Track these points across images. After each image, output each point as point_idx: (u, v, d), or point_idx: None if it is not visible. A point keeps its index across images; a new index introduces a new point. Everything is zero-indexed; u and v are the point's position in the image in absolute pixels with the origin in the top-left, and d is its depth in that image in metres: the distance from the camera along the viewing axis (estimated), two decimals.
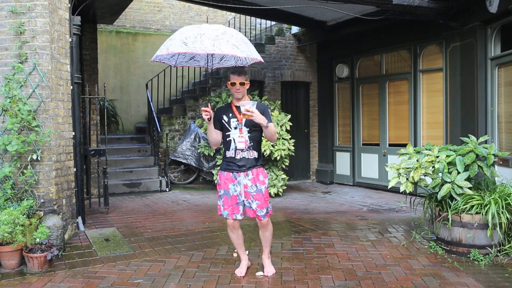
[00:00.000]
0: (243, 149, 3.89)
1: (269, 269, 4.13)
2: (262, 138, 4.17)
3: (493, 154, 4.71)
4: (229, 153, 3.94)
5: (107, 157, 6.79)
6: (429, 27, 7.68)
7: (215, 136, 3.95)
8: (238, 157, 3.90)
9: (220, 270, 4.20)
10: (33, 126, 4.53)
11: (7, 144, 4.38)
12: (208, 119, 3.81)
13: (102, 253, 4.66)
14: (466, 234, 4.58)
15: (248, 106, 3.64)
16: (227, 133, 3.94)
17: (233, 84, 3.85)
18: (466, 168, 4.71)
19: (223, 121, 3.92)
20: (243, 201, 3.96)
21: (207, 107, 3.79)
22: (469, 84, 7.06)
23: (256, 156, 3.95)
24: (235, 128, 3.89)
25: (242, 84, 3.85)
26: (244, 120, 3.86)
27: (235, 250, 4.53)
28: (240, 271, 4.10)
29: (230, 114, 3.92)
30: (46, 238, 4.23)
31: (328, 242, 5.13)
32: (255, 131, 3.92)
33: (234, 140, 3.90)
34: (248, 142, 3.90)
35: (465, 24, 7.02)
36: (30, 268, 4.12)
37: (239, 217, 3.96)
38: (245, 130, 3.88)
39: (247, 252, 4.34)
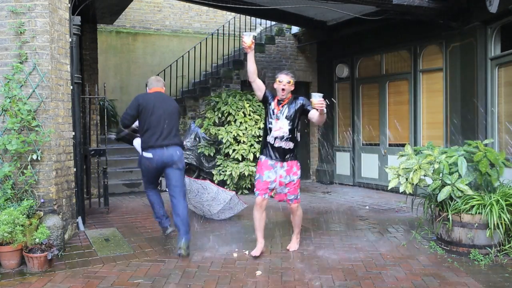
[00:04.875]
0: (281, 138, 4.29)
1: (293, 245, 4.72)
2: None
3: (503, 162, 4.72)
4: (269, 139, 4.35)
5: (107, 157, 6.79)
6: (429, 27, 7.67)
7: (253, 66, 4.41)
8: (276, 145, 4.32)
9: (220, 270, 4.20)
10: (33, 126, 4.53)
11: (7, 144, 4.38)
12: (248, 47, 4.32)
13: (102, 253, 4.66)
14: (466, 234, 4.57)
15: (320, 98, 3.98)
16: (269, 119, 4.39)
17: (280, 81, 4.40)
18: (472, 169, 4.74)
19: (268, 103, 4.41)
20: (275, 187, 4.41)
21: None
22: (469, 84, 7.06)
23: (292, 147, 4.35)
24: (277, 117, 4.35)
25: (288, 82, 4.40)
26: (280, 110, 4.32)
27: (236, 250, 4.58)
28: (255, 252, 4.47)
29: (273, 103, 4.40)
30: (46, 238, 4.22)
31: (328, 242, 5.13)
32: (292, 122, 4.34)
33: (271, 128, 4.33)
34: (287, 133, 4.30)
35: (465, 24, 7.01)
36: (30, 268, 4.12)
37: (267, 196, 4.45)
38: (284, 121, 4.32)
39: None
